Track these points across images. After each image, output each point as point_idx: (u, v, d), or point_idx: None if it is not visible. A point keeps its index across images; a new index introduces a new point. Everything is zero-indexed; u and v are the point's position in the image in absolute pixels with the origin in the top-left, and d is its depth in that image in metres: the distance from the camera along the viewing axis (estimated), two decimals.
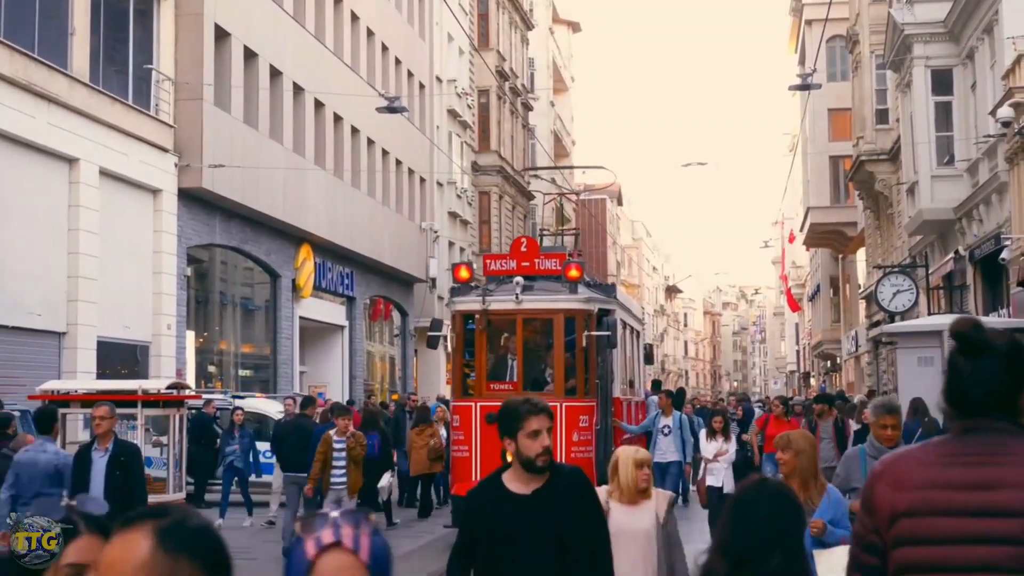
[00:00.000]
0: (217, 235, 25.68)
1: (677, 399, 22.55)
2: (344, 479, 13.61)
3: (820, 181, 46.26)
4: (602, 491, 6.16)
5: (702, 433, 15.88)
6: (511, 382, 15.01)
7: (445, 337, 16.58)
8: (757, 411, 23.65)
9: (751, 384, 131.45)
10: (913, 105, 26.68)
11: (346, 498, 13.52)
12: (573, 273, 14.95)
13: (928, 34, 25.95)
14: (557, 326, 14.94)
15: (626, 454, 6.46)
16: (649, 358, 23.40)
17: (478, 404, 14.40)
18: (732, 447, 15.07)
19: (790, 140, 63.24)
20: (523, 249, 15.94)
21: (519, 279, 14.87)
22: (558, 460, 14.06)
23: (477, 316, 14.95)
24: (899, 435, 7.22)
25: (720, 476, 14.78)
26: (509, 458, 4.87)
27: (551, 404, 14.40)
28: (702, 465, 15.51)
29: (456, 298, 15.53)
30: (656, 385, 26.43)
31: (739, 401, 27.44)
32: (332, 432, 13.89)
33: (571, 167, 51.66)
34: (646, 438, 17.05)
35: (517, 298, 14.77)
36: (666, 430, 16.66)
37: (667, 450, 16.56)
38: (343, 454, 13.57)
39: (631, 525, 6.24)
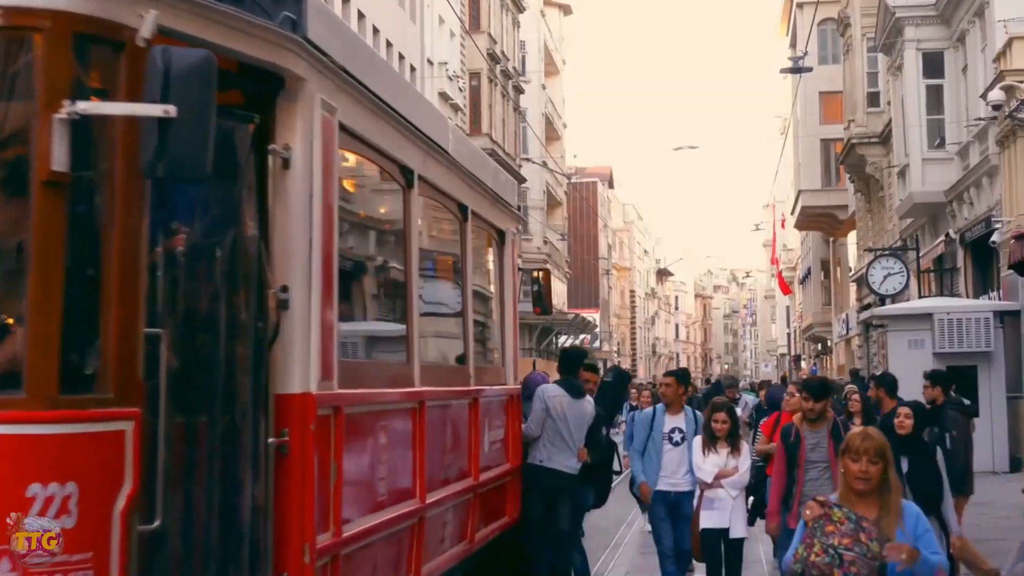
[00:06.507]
0: None
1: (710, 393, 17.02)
2: None
3: (811, 164, 46.26)
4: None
5: (696, 442, 9.38)
6: None
7: None
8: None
9: (741, 367, 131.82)
10: (904, 88, 26.71)
11: None
12: None
13: (919, 17, 25.98)
14: None
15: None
16: (542, 302, 10.58)
17: None
18: (744, 464, 9.26)
19: (781, 123, 63.24)
20: None
21: None
22: None
23: None
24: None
25: (726, 511, 9.13)
26: None
27: None
28: (697, 494, 9.41)
29: None
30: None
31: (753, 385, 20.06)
32: None
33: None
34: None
35: None
36: (676, 435, 9.59)
37: (678, 471, 9.53)
38: None
39: None
